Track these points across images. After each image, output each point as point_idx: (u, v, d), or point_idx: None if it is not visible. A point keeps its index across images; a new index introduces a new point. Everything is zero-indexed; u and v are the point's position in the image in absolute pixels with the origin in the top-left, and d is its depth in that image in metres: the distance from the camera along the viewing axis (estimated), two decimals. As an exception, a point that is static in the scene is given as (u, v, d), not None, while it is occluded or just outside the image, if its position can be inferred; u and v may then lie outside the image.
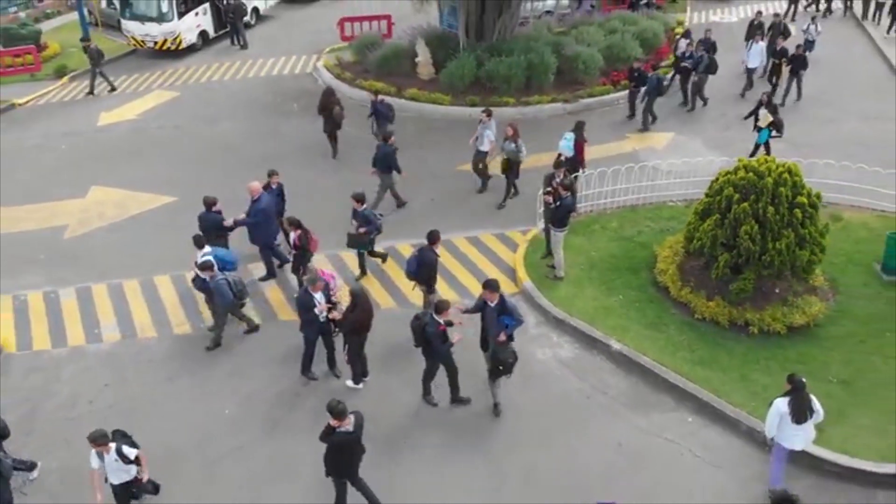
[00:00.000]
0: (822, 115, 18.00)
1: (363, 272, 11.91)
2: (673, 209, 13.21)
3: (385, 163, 13.42)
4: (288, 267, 11.79)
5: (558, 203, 11.22)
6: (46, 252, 13.00)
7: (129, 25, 23.59)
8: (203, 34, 24.32)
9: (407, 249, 12.50)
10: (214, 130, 18.17)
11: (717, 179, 10.47)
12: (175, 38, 23.21)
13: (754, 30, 20.28)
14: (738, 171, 10.16)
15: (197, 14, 23.84)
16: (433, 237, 10.30)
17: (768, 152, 14.19)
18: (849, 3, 26.12)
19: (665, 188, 13.63)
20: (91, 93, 20.98)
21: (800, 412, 7.53)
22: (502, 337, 8.73)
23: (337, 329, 9.41)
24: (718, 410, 8.98)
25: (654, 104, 16.99)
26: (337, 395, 9.34)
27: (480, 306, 9.07)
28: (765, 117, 14.57)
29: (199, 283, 10.20)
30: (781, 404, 7.60)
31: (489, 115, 14.00)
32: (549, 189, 11.36)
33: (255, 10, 26.84)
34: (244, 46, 24.32)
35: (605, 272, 11.61)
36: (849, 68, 21.35)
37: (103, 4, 26.46)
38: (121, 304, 11.41)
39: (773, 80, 18.80)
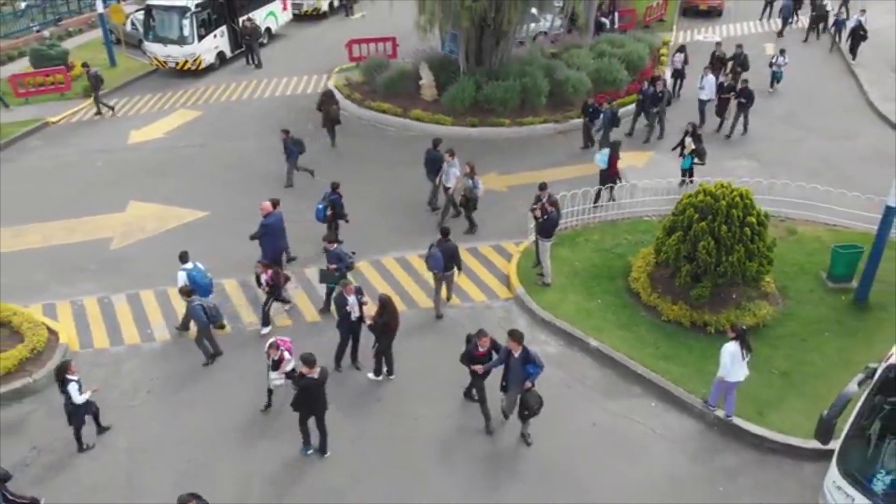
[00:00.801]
0: (791, 134, 19.77)
1: (326, 307, 12.81)
2: (648, 223, 14.95)
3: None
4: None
5: (545, 217, 13.00)
6: (96, 262, 14.72)
7: (151, 47, 25.30)
8: (221, 55, 26.07)
9: (414, 259, 14.33)
10: (236, 148, 19.90)
11: (682, 201, 12.23)
12: (195, 60, 24.95)
13: (715, 60, 21.59)
14: (698, 194, 11.92)
15: (215, 36, 25.57)
16: (446, 231, 12.56)
17: (691, 177, 15.65)
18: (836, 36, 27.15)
19: (642, 204, 15.40)
20: (98, 113, 22.52)
21: (747, 349, 9.68)
22: (528, 384, 9.64)
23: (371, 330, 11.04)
24: (677, 397, 10.74)
25: (611, 133, 18.06)
26: (360, 386, 11.21)
27: (505, 357, 9.75)
28: (689, 145, 15.98)
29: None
30: (733, 347, 9.69)
31: (452, 154, 15.22)
32: (535, 206, 13.14)
33: (268, 29, 28.60)
34: (259, 66, 26.08)
35: (587, 280, 13.37)
36: (820, 88, 23.15)
37: (128, 27, 28.06)
38: (167, 308, 13.13)
39: (722, 114, 19.57)
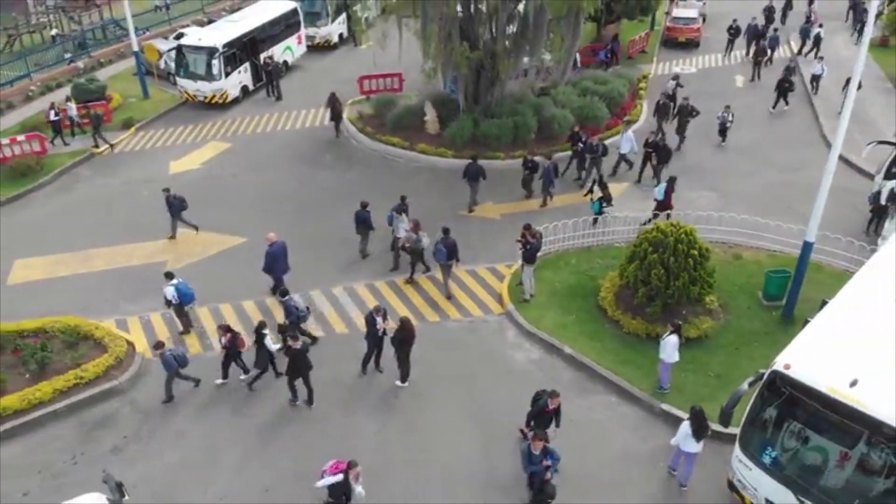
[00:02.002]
0: (748, 167, 22.61)
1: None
2: (618, 250, 17.73)
3: None
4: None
5: (528, 247, 15.86)
6: (155, 283, 17.46)
7: (182, 82, 28.14)
8: (244, 88, 28.94)
9: (423, 279, 17.20)
10: (264, 179, 22.74)
11: (640, 235, 15.09)
12: (222, 94, 27.82)
13: (661, 109, 23.92)
14: (652, 231, 14.77)
15: (239, 72, 28.43)
16: (447, 230, 16.19)
17: (595, 222, 18.32)
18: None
19: (613, 233, 18.25)
20: (95, 146, 25.02)
21: (682, 340, 12.64)
22: (548, 475, 10.97)
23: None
24: (632, 393, 13.59)
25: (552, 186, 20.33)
26: (384, 390, 14.03)
27: (527, 454, 11.17)
28: (596, 192, 18.54)
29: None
30: (674, 338, 12.81)
31: (400, 212, 17.54)
32: (519, 239, 16.01)
33: (285, 62, 31.46)
34: (279, 98, 28.91)
35: (564, 298, 16.23)
36: (780, 121, 25.98)
37: (162, 64, 30.81)
38: (221, 322, 15.95)
39: (643, 167, 21.39)
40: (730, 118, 23.75)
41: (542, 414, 11.76)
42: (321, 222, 19.59)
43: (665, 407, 13.17)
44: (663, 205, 18.34)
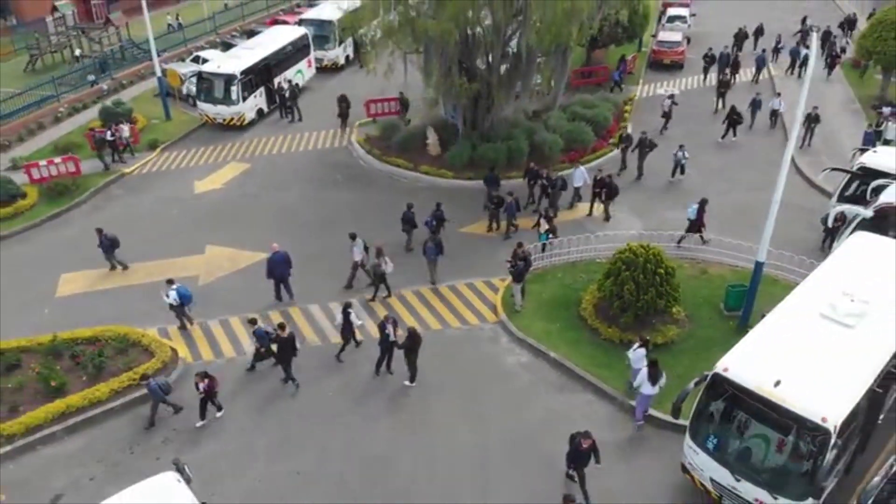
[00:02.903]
0: (721, 187, 24.90)
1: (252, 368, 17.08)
2: (600, 265, 19.93)
3: None
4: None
5: (514, 267, 18.18)
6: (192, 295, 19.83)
7: (203, 106, 30.45)
8: (260, 111, 31.25)
9: (427, 292, 19.52)
10: (283, 198, 25.04)
11: (615, 255, 17.41)
12: (240, 117, 30.14)
13: (624, 141, 25.80)
14: (625, 251, 17.10)
15: (255, 97, 30.75)
16: (434, 231, 19.27)
17: (543, 249, 20.53)
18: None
19: (595, 249, 20.56)
20: (106, 169, 27.30)
21: (654, 369, 14.60)
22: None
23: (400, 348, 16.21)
24: (606, 393, 15.91)
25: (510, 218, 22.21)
26: (394, 389, 16.31)
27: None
28: (543, 224, 20.49)
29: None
30: (641, 351, 15.01)
31: (354, 238, 19.47)
32: (509, 259, 18.34)
33: (297, 84, 33.70)
34: (300, 119, 31.15)
35: (550, 308, 18.55)
36: (750, 143, 28.26)
37: (184, 90, 33.07)
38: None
39: (592, 201, 22.91)
40: (684, 156, 25.08)
41: (578, 452, 13.13)
42: (335, 238, 21.78)
43: (633, 404, 15.48)
44: (695, 224, 20.58)
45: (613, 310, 17.22)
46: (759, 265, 17.02)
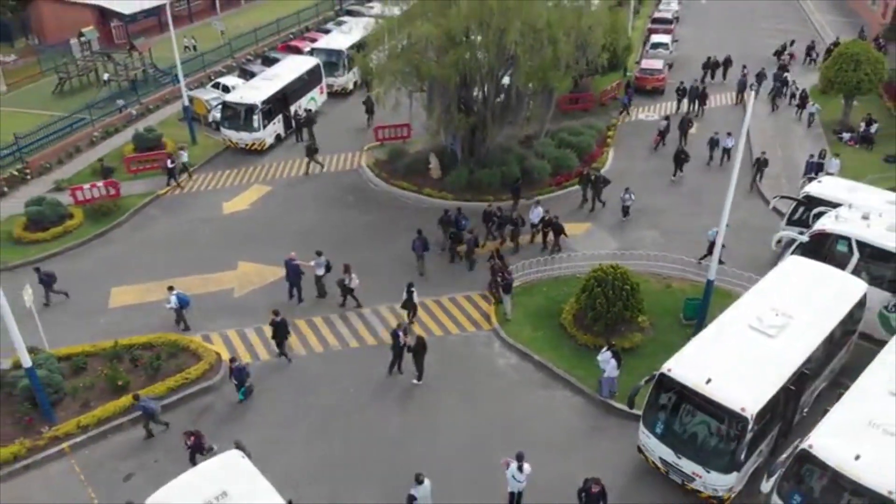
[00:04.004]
0: (689, 209, 28.09)
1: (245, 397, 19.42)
2: (578, 280, 23.14)
3: None
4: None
5: (504, 281, 21.42)
6: (228, 305, 23.05)
7: (227, 132, 33.67)
8: (278, 136, 34.48)
9: (431, 304, 22.73)
10: (303, 219, 28.21)
11: (589, 273, 20.64)
12: (260, 143, 33.37)
13: (583, 180, 28.10)
14: (597, 271, 20.35)
15: (274, 123, 33.97)
16: (420, 231, 22.96)
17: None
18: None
19: (577, 266, 23.78)
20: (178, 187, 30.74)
21: (617, 357, 17.70)
22: None
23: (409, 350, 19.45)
24: (580, 388, 19.13)
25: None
26: (404, 386, 19.53)
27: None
28: (498, 266, 23.07)
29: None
30: (608, 353, 18.02)
31: (319, 255, 22.81)
32: (499, 274, 21.59)
33: (309, 110, 36.92)
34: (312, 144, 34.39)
35: (536, 318, 21.79)
36: (717, 171, 31.29)
37: (210, 118, 36.26)
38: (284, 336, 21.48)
39: (543, 238, 25.29)
40: (630, 198, 27.01)
41: (589, 496, 14.63)
42: (351, 255, 24.97)
43: (602, 398, 18.71)
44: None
45: (588, 320, 20.47)
46: (709, 282, 20.25)
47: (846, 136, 34.34)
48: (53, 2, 54.74)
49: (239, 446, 15.04)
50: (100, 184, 29.74)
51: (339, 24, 50.60)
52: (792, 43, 45.85)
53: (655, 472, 16.41)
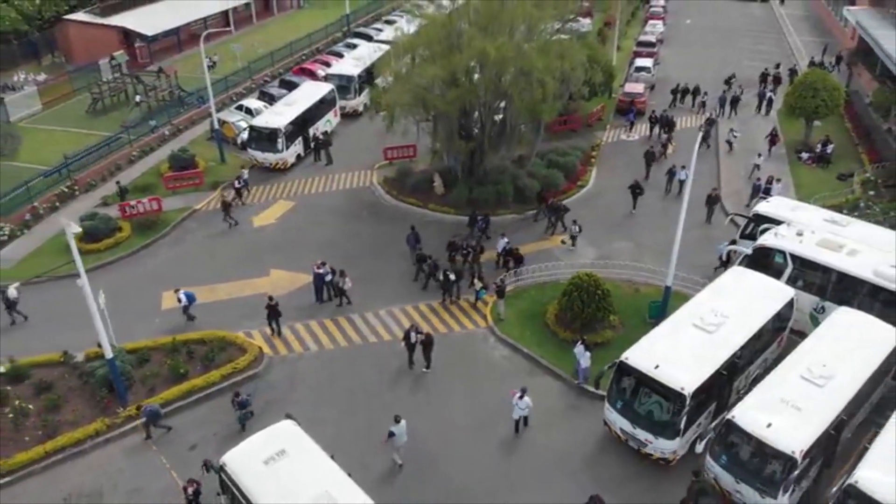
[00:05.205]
0: (662, 222, 32.17)
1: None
2: (561, 286, 27.16)
3: None
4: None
5: (498, 287, 25.61)
6: (264, 308, 27.15)
7: (253, 152, 37.82)
8: (298, 156, 38.64)
9: (438, 307, 26.93)
10: (324, 232, 32.33)
11: (568, 281, 24.80)
12: (283, 162, 37.53)
13: (549, 207, 31.83)
14: (575, 278, 24.51)
15: (295, 145, 38.13)
16: (413, 227, 27.24)
17: (476, 301, 27.30)
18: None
19: (561, 273, 27.91)
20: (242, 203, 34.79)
21: (588, 350, 21.98)
22: None
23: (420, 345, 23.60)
24: (560, 375, 23.30)
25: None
26: (416, 374, 23.71)
27: None
28: (477, 283, 26.91)
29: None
30: (582, 347, 22.18)
31: (323, 264, 27.18)
32: (495, 282, 25.78)
33: (325, 132, 41.04)
34: (330, 163, 38.50)
35: (525, 318, 25.95)
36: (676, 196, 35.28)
37: (238, 140, 40.40)
38: (313, 334, 25.55)
39: (507, 266, 28.36)
40: (578, 229, 30.09)
41: None
42: (366, 264, 29.11)
43: (578, 382, 22.87)
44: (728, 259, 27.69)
45: (568, 319, 24.64)
46: (667, 288, 24.44)
47: (805, 156, 38.48)
48: (80, 23, 58.94)
49: (290, 417, 19.18)
50: (144, 200, 33.84)
51: (349, 46, 54.76)
52: (777, 66, 50.00)
53: (617, 440, 20.57)
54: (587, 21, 57.03)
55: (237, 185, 34.84)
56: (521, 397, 20.77)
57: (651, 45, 53.93)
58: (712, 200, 32.33)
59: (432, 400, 22.82)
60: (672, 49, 58.37)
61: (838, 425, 18.54)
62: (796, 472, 17.24)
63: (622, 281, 27.71)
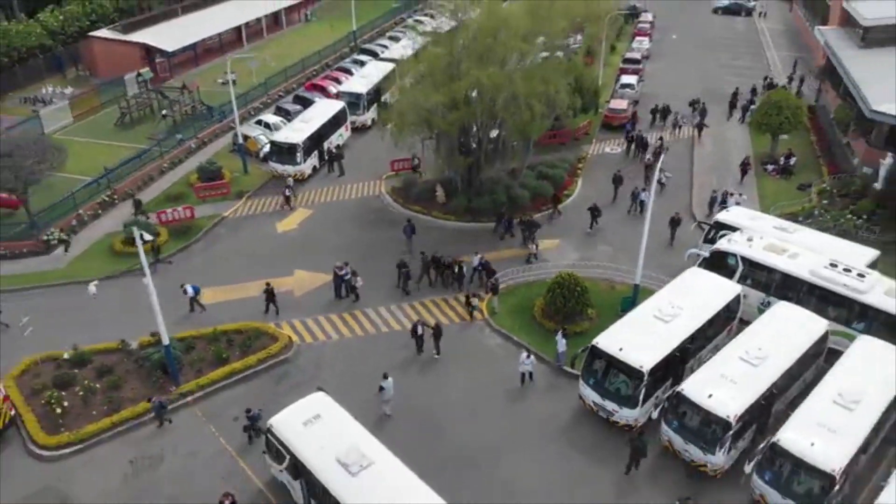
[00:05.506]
0: (637, 229, 36.36)
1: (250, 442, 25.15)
2: (546, 283, 31.35)
3: None
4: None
5: (492, 285, 29.90)
6: (290, 303, 31.35)
7: (274, 165, 42.10)
8: (314, 167, 42.93)
9: (441, 302, 31.26)
10: (337, 236, 36.54)
11: (552, 280, 29.07)
12: (301, 174, 41.80)
13: (523, 226, 36.61)
14: (557, 277, 28.79)
15: (311, 158, 42.41)
16: (409, 219, 31.77)
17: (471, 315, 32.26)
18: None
19: (546, 273, 32.16)
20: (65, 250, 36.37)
21: (566, 337, 26.33)
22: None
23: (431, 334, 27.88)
24: (544, 358, 27.55)
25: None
26: (424, 361, 28.01)
27: None
28: (473, 300, 31.11)
29: None
30: (559, 335, 26.54)
31: (345, 264, 31.92)
32: (491, 282, 30.08)
33: (338, 146, 45.27)
34: (342, 174, 42.78)
35: (515, 311, 30.24)
36: (661, 195, 39.75)
37: (261, 154, 44.66)
38: (333, 325, 29.81)
39: (480, 281, 31.85)
40: (535, 248, 33.96)
41: None
42: (377, 264, 33.26)
43: (559, 364, 27.15)
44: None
45: (551, 312, 28.92)
46: (636, 286, 28.72)
47: (770, 167, 42.76)
48: (104, 40, 63.20)
49: (321, 389, 23.44)
50: (179, 208, 38.07)
51: (356, 62, 59.01)
52: (766, 79, 54.55)
53: (590, 412, 24.82)
54: (578, 38, 61.19)
55: (286, 193, 39.38)
56: (527, 357, 25.97)
57: (636, 61, 58.10)
58: (675, 222, 35.53)
59: (438, 378, 27.10)
60: (658, 64, 62.57)
61: (769, 397, 22.83)
62: (731, 433, 21.47)
63: (600, 279, 31.98)
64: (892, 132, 38.48)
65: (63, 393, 26.45)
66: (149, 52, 62.39)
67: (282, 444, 21.08)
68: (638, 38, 66.00)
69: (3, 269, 34.69)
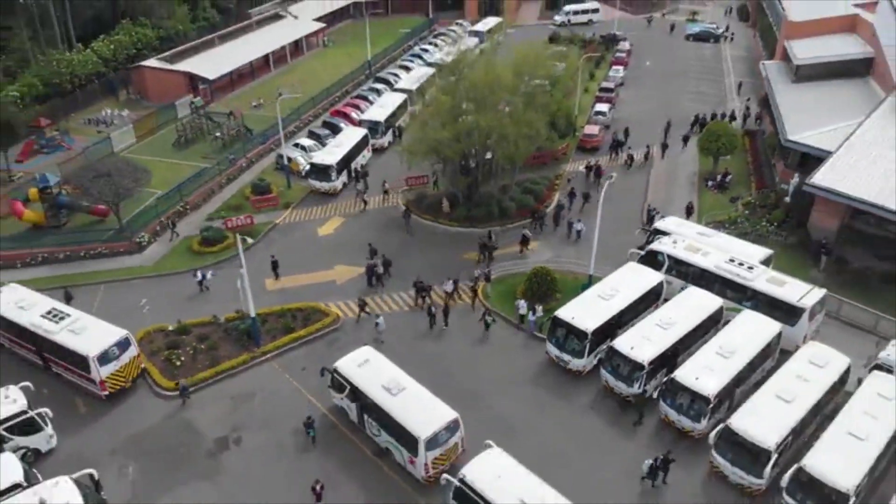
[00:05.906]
0: (600, 237, 46.96)
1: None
2: (525, 275, 41.85)
3: None
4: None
5: (486, 277, 40.52)
6: (333, 290, 41.79)
7: (312, 182, 52.56)
8: (344, 183, 53.48)
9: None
10: (366, 238, 46.74)
11: (529, 272, 39.65)
12: (334, 189, 52.35)
13: (533, 213, 48.31)
14: (534, 271, 39.37)
15: (342, 175, 52.95)
16: (407, 207, 42.86)
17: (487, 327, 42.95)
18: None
19: (527, 267, 42.65)
20: (176, 235, 48.88)
21: (532, 309, 37.03)
22: None
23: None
24: (521, 328, 38.14)
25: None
26: (437, 331, 38.75)
27: None
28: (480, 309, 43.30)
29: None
30: (522, 301, 37.53)
31: (375, 252, 42.89)
32: (485, 272, 40.71)
33: (361, 166, 55.76)
34: (365, 189, 53.24)
35: (503, 295, 40.78)
36: (619, 207, 50.15)
37: (303, 172, 55.10)
38: (368, 304, 40.35)
39: (453, 299, 46.89)
40: (487, 270, 42.58)
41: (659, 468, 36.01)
42: (396, 259, 43.56)
43: (532, 331, 37.75)
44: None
45: (529, 295, 39.48)
46: (591, 276, 39.33)
47: (710, 183, 53.29)
48: (153, 69, 73.69)
49: (367, 345, 34.01)
50: (241, 216, 48.40)
51: (372, 90, 69.54)
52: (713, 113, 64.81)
53: (552, 363, 35.38)
54: (561, 66, 71.43)
55: (364, 198, 50.82)
56: (532, 312, 36.64)
57: (610, 90, 68.23)
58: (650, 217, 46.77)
59: (445, 342, 37.64)
60: (631, 91, 72.66)
61: (674, 350, 33.39)
62: (645, 372, 31.93)
63: (567, 272, 42.51)
64: (803, 156, 49.06)
65: (178, 351, 37.01)
66: (192, 79, 72.71)
67: (345, 378, 31.64)
68: (615, 66, 75.86)
69: (101, 266, 45.03)
